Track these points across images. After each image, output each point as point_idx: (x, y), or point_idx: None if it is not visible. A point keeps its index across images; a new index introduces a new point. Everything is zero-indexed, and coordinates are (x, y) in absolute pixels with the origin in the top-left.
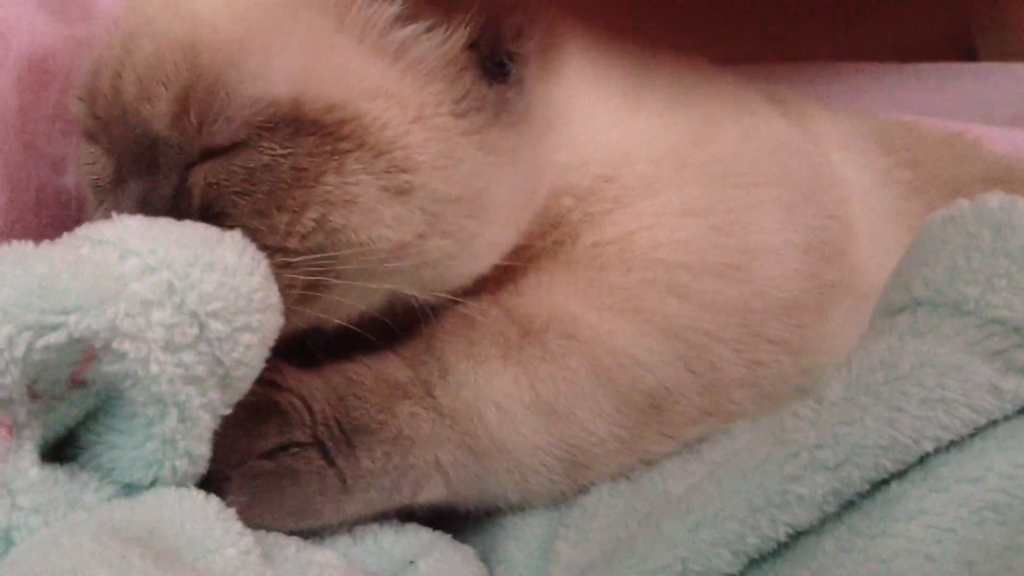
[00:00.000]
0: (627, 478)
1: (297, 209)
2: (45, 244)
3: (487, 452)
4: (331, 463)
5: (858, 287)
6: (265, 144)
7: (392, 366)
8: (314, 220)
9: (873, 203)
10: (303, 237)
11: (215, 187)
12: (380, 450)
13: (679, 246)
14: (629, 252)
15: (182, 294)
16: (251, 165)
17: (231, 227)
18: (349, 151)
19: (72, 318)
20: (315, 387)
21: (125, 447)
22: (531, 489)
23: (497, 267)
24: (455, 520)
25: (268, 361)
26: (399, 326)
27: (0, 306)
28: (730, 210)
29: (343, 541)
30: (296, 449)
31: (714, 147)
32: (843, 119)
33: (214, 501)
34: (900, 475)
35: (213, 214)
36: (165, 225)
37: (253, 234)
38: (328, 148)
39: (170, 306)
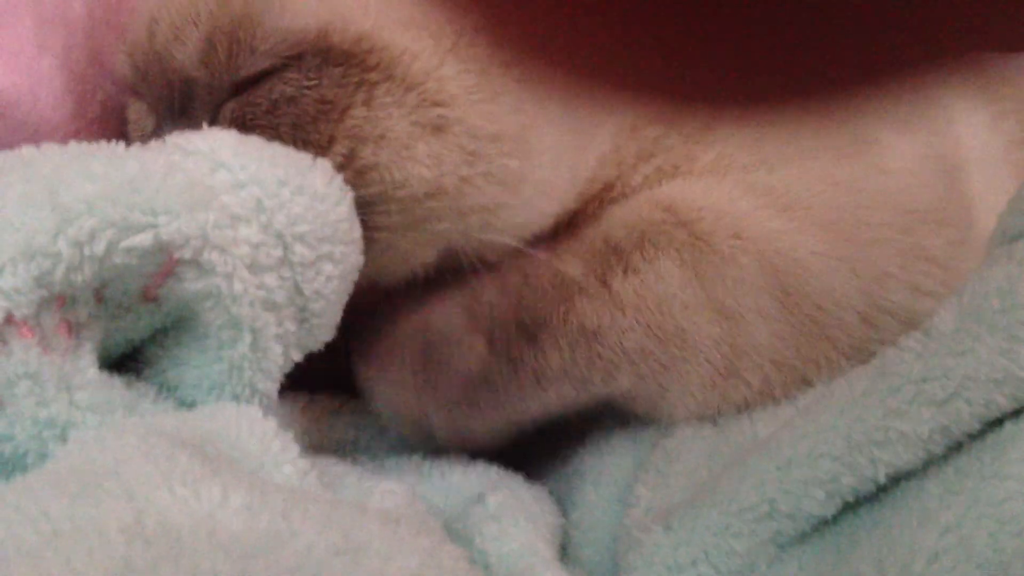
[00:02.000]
0: (711, 421)
1: (324, 144)
2: (136, 146)
3: (671, 337)
4: (522, 359)
5: (975, 221)
6: (290, 75)
7: (567, 262)
8: (343, 155)
9: (982, 144)
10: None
11: (239, 121)
12: (565, 342)
13: (800, 131)
14: (754, 153)
15: (270, 213)
16: (274, 97)
17: None
18: (378, 83)
19: (162, 220)
20: (491, 287)
21: (192, 364)
22: (690, 385)
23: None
24: (529, 463)
25: None
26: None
27: (86, 199)
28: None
29: (410, 477)
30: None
31: None
32: (948, 63)
33: (272, 421)
34: (1015, 413)
35: None
36: (257, 143)
37: None
38: (355, 80)
39: (257, 224)
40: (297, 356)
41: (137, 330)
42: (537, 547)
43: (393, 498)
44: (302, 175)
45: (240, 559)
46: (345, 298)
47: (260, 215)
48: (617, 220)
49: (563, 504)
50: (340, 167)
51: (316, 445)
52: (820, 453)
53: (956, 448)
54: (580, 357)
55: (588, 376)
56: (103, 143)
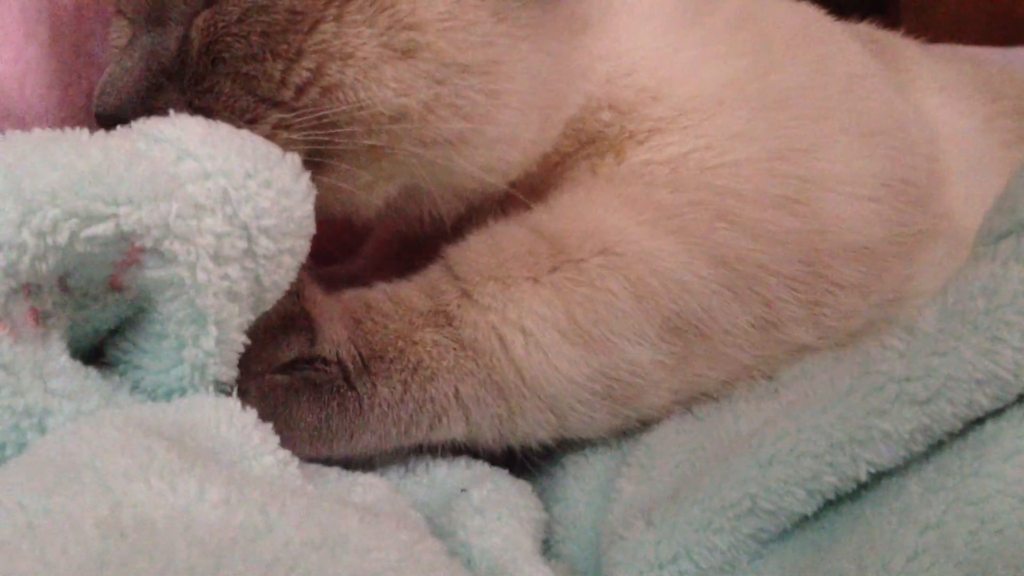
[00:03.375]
0: (695, 416)
1: (292, 57)
2: (100, 134)
3: (513, 388)
4: (351, 385)
5: (952, 232)
6: None
7: (411, 292)
8: (309, 71)
9: (972, 148)
10: (298, 90)
11: (212, 30)
12: (398, 378)
13: (731, 171)
14: (679, 173)
15: (236, 205)
16: (247, 5)
17: (226, 74)
18: (350, 0)
19: (123, 210)
20: (334, 309)
21: (151, 370)
22: (570, 428)
23: (523, 184)
24: (512, 458)
25: None
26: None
27: (49, 189)
28: (792, 137)
29: (395, 471)
30: (320, 364)
31: (778, 76)
32: (946, 64)
33: (252, 412)
34: (996, 413)
35: (210, 61)
36: (226, 133)
37: (248, 82)
38: None
39: (222, 215)
40: (246, 340)
41: (104, 319)
42: (520, 541)
43: (374, 492)
44: (270, 168)
45: (216, 552)
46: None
47: (226, 206)
48: (478, 244)
49: (546, 499)
50: (306, 84)
51: None
52: (802, 451)
53: (938, 447)
54: (410, 398)
55: (416, 419)
56: (68, 130)
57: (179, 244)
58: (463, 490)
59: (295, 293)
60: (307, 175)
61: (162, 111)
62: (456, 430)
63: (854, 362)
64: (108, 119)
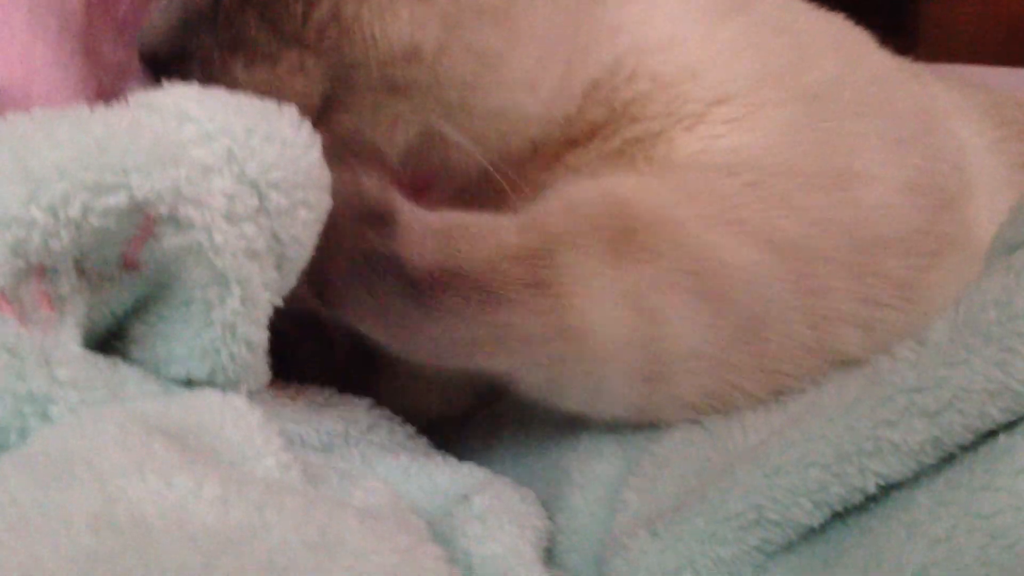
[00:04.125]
0: (703, 427)
1: None
2: (101, 109)
3: (570, 330)
4: (432, 286)
5: (971, 244)
6: None
7: (507, 227)
8: (329, 9)
9: (985, 166)
10: (319, 30)
11: None
12: (475, 298)
13: (784, 153)
14: (735, 156)
15: (242, 162)
16: None
17: (253, 16)
18: None
19: (134, 179)
20: (424, 218)
21: (182, 337)
22: (602, 388)
23: (548, 151)
24: (517, 466)
25: None
26: None
27: (55, 164)
28: (834, 132)
29: (397, 476)
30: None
31: (816, 73)
32: (957, 90)
33: (258, 411)
34: (1009, 426)
35: (239, 4)
36: (220, 94)
37: (272, 23)
38: None
39: (230, 174)
40: (277, 301)
41: (121, 302)
42: (521, 550)
43: (376, 495)
44: (269, 122)
45: (209, 552)
46: (315, 241)
47: (232, 165)
48: (556, 197)
49: (550, 508)
50: (326, 22)
51: (303, 437)
52: (809, 462)
53: (948, 459)
54: (481, 319)
55: (477, 337)
56: (68, 108)
57: (193, 208)
58: (465, 496)
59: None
60: (307, 123)
61: (195, 52)
62: (512, 361)
63: (863, 373)
64: (147, 58)
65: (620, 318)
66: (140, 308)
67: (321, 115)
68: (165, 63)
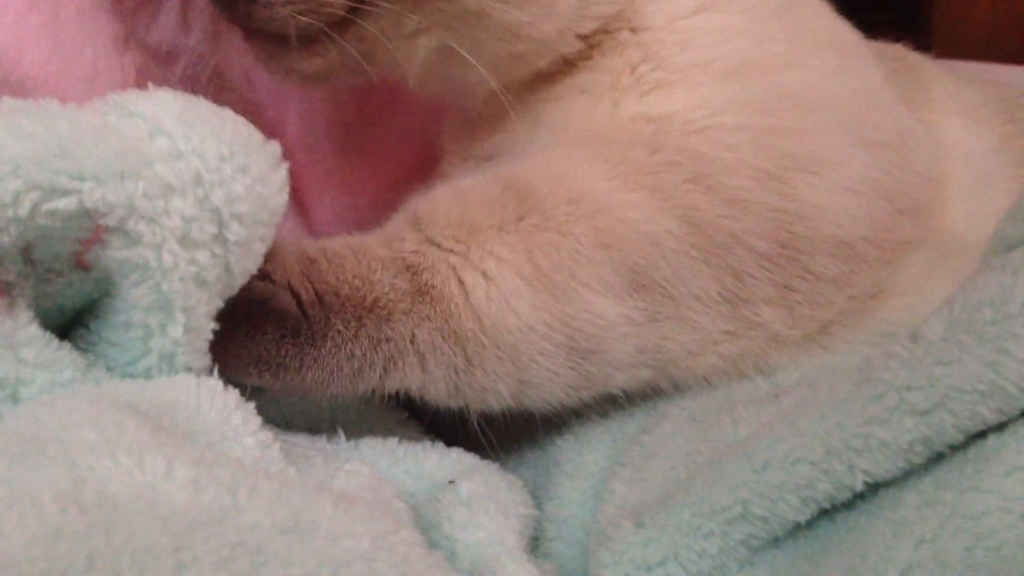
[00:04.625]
0: (692, 419)
1: None
2: (71, 105)
3: (471, 336)
4: (304, 313)
5: (943, 247)
6: None
7: (371, 240)
8: None
9: (983, 167)
10: None
11: None
12: (352, 314)
13: (716, 136)
14: (663, 133)
15: (208, 188)
16: None
17: None
18: None
19: (87, 186)
20: (286, 247)
21: (118, 361)
22: (530, 383)
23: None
24: (506, 451)
25: None
26: None
27: (12, 159)
28: (786, 118)
29: (383, 459)
30: (272, 290)
31: (795, 74)
32: (967, 85)
33: (234, 393)
34: (999, 427)
35: None
36: (205, 112)
37: None
38: None
39: (193, 197)
40: (214, 326)
41: (69, 297)
42: (505, 537)
43: (357, 479)
44: (248, 154)
45: (178, 533)
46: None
47: (197, 188)
48: (444, 195)
49: (538, 496)
50: None
51: (291, 420)
52: (797, 457)
53: (937, 459)
54: (364, 335)
55: (369, 358)
56: (38, 100)
57: (144, 225)
58: (451, 482)
59: None
60: (285, 165)
61: None
62: (411, 377)
63: (855, 368)
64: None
65: (524, 304)
66: (83, 324)
67: (344, 24)
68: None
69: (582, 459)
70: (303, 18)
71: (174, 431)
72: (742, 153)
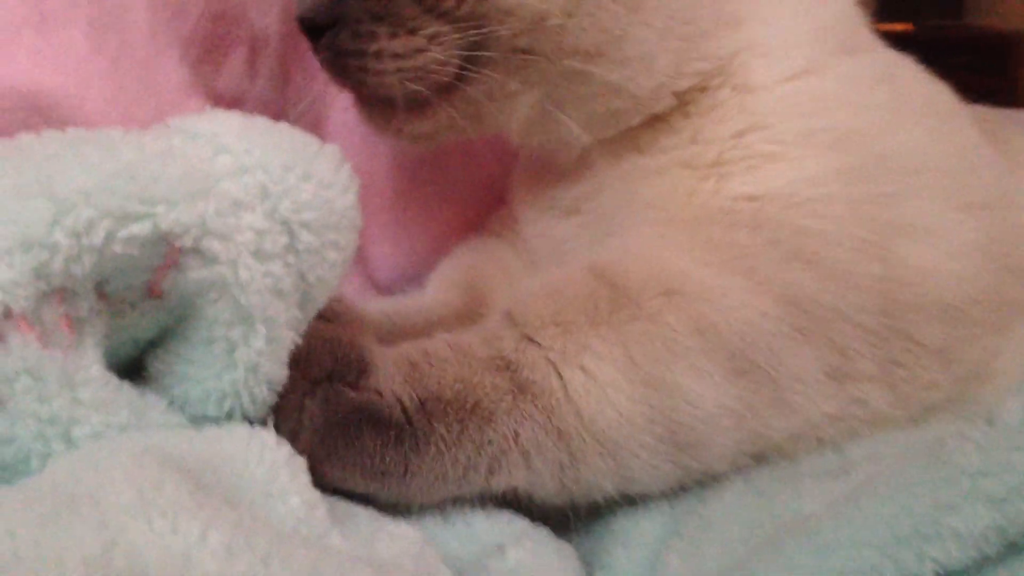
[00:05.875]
0: (756, 490)
1: None
2: (134, 132)
3: (573, 432)
4: (408, 420)
5: None
6: None
7: (471, 339)
8: None
9: None
10: (459, 1)
11: None
12: (455, 418)
13: (815, 208)
14: (763, 211)
15: (275, 199)
16: None
17: None
18: None
19: (160, 209)
20: (388, 354)
21: (199, 379)
22: (632, 478)
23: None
24: (559, 517)
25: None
26: None
27: (82, 190)
28: (886, 184)
29: (432, 521)
30: (376, 395)
31: (893, 139)
32: None
33: (285, 448)
34: None
35: None
36: (263, 126)
37: None
38: None
39: (261, 210)
40: (298, 340)
41: (143, 330)
42: None
43: (401, 543)
44: (308, 161)
45: None
46: (338, 281)
47: (265, 201)
48: (537, 290)
49: (590, 563)
50: None
51: None
52: (862, 541)
53: (1011, 549)
54: (467, 439)
55: (473, 461)
56: (102, 129)
57: (218, 242)
58: (500, 547)
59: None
60: (347, 166)
61: (346, 21)
62: (516, 476)
63: (927, 449)
64: (304, 24)
65: (623, 398)
66: (160, 345)
67: (450, 88)
68: (320, 30)
69: (638, 528)
70: (412, 85)
71: (215, 489)
72: (842, 223)
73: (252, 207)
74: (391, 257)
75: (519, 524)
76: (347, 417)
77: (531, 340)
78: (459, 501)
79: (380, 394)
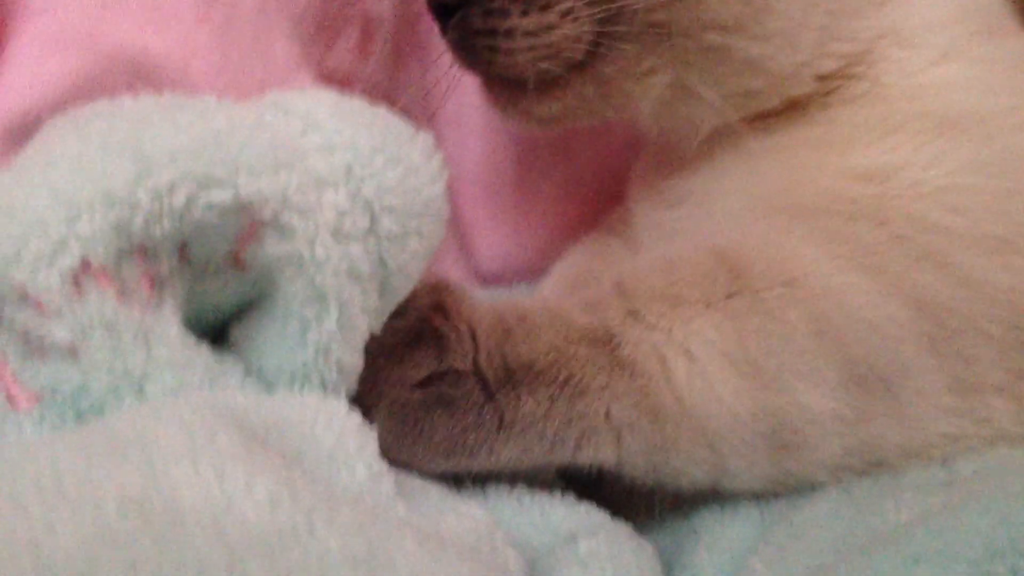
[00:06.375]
0: (852, 498)
1: None
2: (228, 101)
3: (670, 415)
4: (490, 397)
5: None
6: None
7: (571, 306)
8: None
9: None
10: None
11: None
12: (544, 392)
13: (947, 199)
14: (888, 202)
15: (360, 181)
16: None
17: None
18: None
19: (242, 178)
20: (482, 315)
21: (274, 353)
22: (728, 471)
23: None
24: (643, 512)
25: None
26: None
27: (169, 151)
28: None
29: (508, 507)
30: (453, 377)
31: None
32: None
33: (356, 418)
34: None
35: None
36: (358, 108)
37: None
38: None
39: (345, 190)
40: (376, 328)
41: (224, 296)
42: None
43: (468, 522)
44: (399, 145)
45: (237, 550)
46: (423, 270)
47: (349, 182)
48: (652, 264)
49: (671, 563)
50: None
51: None
52: (954, 554)
53: None
54: (556, 413)
55: (561, 436)
56: (197, 97)
57: (298, 218)
58: (573, 536)
59: (433, 306)
60: (439, 155)
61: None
62: (605, 454)
63: None
64: (434, 3)
65: (728, 390)
66: (243, 314)
67: (582, 67)
68: (450, 10)
69: (725, 532)
70: (543, 63)
71: (280, 449)
72: (976, 219)
73: (336, 186)
74: (498, 248)
75: (597, 517)
76: (421, 409)
77: (637, 315)
78: (536, 489)
79: (458, 373)
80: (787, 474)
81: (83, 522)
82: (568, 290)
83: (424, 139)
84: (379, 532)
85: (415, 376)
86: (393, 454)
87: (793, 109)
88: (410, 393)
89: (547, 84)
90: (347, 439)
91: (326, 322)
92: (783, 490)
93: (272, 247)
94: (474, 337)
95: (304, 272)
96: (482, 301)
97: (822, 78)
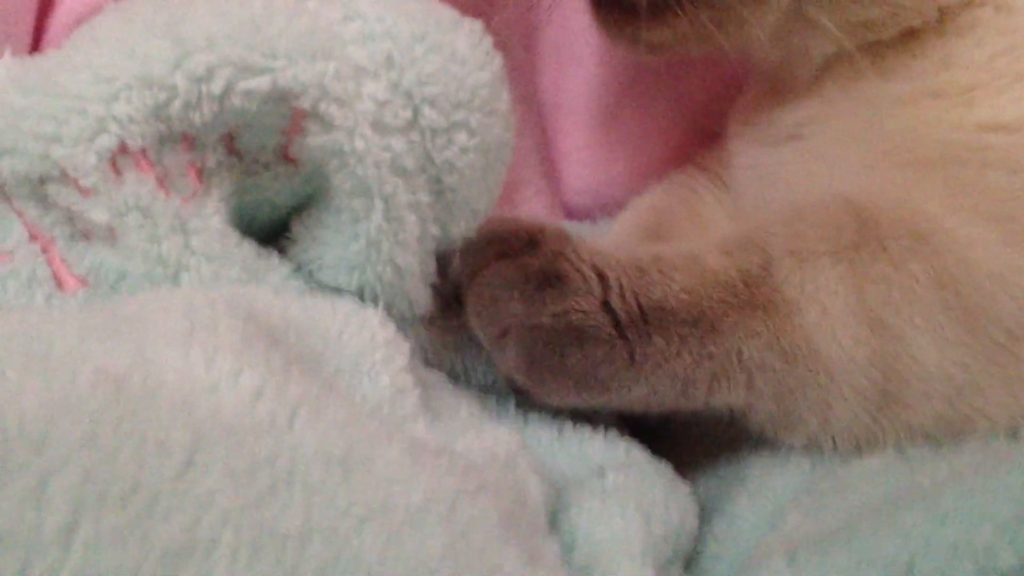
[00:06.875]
0: (906, 458)
1: None
2: None
3: (799, 355)
4: (621, 333)
5: None
6: None
7: (706, 251)
8: None
9: None
10: None
11: None
12: (676, 331)
13: None
14: (1020, 150)
15: (400, 70)
16: None
17: None
18: None
19: (279, 63)
20: (611, 258)
21: (331, 244)
22: (832, 419)
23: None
24: (690, 455)
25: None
26: None
27: (207, 35)
28: None
29: (547, 436)
30: (582, 315)
31: None
32: None
33: (390, 328)
34: None
35: None
36: None
37: None
38: None
39: (385, 80)
40: (435, 231)
41: (277, 191)
42: (632, 541)
43: (488, 442)
44: (443, 33)
45: (203, 434)
46: (490, 176)
47: (390, 71)
48: (782, 211)
49: (710, 508)
50: None
51: (469, 372)
52: (982, 514)
53: None
54: (687, 352)
55: (692, 376)
56: None
57: (336, 107)
58: (602, 469)
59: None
60: (488, 41)
61: None
62: (736, 395)
63: None
64: None
65: (851, 336)
66: (302, 209)
67: None
68: None
69: (771, 481)
70: None
71: (291, 347)
72: None
73: (376, 76)
74: (588, 181)
75: (635, 454)
76: (552, 340)
77: (770, 258)
78: (581, 422)
79: (587, 312)
80: (874, 431)
81: (52, 390)
82: (642, 228)
83: (470, 26)
84: (362, 433)
85: (546, 312)
86: (525, 384)
87: (908, 38)
88: (540, 321)
89: (660, 9)
90: (375, 350)
91: (373, 216)
92: (867, 448)
93: (314, 138)
94: (603, 279)
95: (347, 164)
96: (608, 246)
97: (944, 8)
